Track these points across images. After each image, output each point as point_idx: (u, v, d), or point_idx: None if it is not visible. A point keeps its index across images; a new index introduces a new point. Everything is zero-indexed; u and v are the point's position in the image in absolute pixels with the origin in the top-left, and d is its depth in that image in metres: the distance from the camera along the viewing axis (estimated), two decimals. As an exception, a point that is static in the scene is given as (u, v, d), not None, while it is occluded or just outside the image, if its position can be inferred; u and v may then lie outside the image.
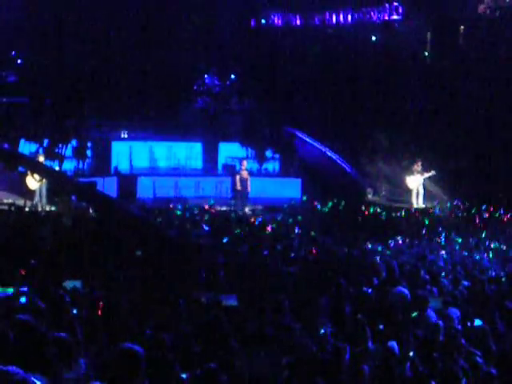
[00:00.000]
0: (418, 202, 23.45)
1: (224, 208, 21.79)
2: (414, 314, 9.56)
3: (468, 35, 26.02)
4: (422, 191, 23.54)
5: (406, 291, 10.50)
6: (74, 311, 7.82)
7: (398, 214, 21.82)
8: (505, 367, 7.69)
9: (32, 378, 3.58)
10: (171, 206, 20.92)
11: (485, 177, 23.30)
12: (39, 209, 19.20)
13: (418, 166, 23.36)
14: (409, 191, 23.69)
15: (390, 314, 9.30)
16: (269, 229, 17.68)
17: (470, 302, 10.93)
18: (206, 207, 20.98)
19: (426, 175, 23.27)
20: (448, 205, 22.98)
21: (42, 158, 21.13)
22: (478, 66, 24.97)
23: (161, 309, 8.62)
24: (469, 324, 9.79)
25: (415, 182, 23.41)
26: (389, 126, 25.42)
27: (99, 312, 7.97)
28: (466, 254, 16.81)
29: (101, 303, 7.94)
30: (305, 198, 24.29)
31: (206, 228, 17.00)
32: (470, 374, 7.30)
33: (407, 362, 7.62)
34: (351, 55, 27.28)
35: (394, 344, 7.96)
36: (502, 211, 21.96)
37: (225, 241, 15.28)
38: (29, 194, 19.93)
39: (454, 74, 25.46)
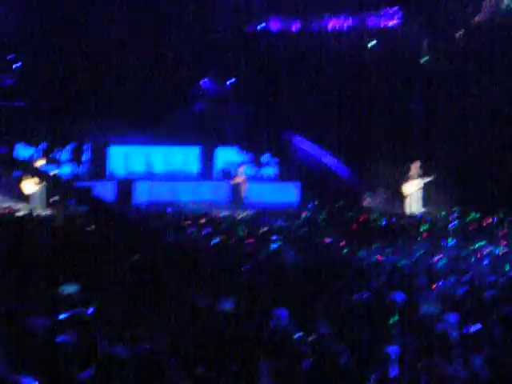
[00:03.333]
0: (414, 208, 23.33)
1: (221, 213, 21.71)
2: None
3: (466, 40, 25.96)
4: (420, 196, 23.42)
5: (401, 295, 10.45)
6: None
7: (395, 220, 21.74)
8: (501, 373, 7.65)
9: None
10: (168, 210, 20.85)
11: (484, 181, 23.19)
12: (34, 214, 19.10)
13: (416, 169, 23.27)
14: (406, 196, 23.61)
15: (385, 319, 9.24)
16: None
17: (468, 308, 10.87)
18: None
19: (426, 179, 23.17)
20: (444, 212, 22.84)
21: (40, 162, 21.08)
22: (477, 70, 24.91)
23: (156, 314, 8.54)
24: (466, 329, 9.74)
25: (413, 187, 23.30)
26: (388, 131, 25.38)
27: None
28: (465, 259, 16.75)
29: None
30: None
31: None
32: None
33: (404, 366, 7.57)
34: (349, 60, 27.24)
35: (393, 349, 7.90)
36: (500, 216, 21.85)
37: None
38: (25, 198, 19.86)
39: (453, 79, 25.41)
